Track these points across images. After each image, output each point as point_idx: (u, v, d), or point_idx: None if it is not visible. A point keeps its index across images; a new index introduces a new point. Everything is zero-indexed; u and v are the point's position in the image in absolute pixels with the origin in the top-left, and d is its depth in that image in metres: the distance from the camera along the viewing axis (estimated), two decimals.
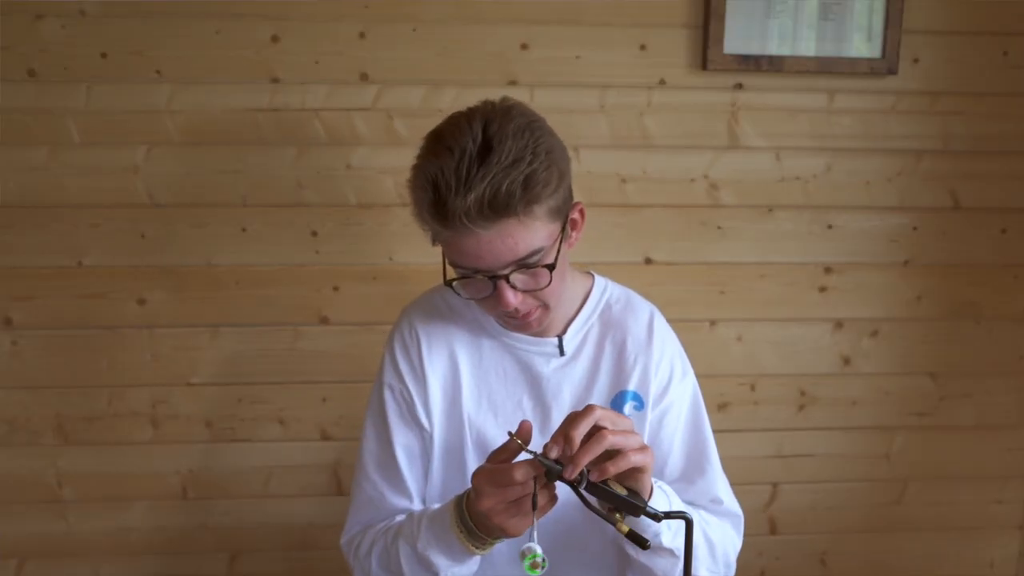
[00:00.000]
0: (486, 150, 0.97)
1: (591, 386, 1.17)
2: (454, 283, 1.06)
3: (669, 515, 0.96)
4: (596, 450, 0.92)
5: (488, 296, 1.05)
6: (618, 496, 0.95)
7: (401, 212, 1.67)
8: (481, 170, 0.96)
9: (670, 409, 1.19)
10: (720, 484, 1.22)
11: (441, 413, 1.17)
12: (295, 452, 1.75)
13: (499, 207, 0.97)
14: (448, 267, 1.08)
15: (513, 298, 1.03)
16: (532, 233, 1.01)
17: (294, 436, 1.74)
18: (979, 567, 1.94)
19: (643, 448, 0.96)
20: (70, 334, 1.67)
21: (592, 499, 0.96)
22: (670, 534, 1.03)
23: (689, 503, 1.16)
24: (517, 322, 1.09)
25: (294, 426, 1.74)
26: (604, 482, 0.95)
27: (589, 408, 0.95)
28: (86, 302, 1.66)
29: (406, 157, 1.64)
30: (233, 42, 1.60)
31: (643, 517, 0.97)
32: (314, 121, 1.64)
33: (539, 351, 1.17)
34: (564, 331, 1.18)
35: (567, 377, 1.17)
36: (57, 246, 1.64)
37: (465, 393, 1.17)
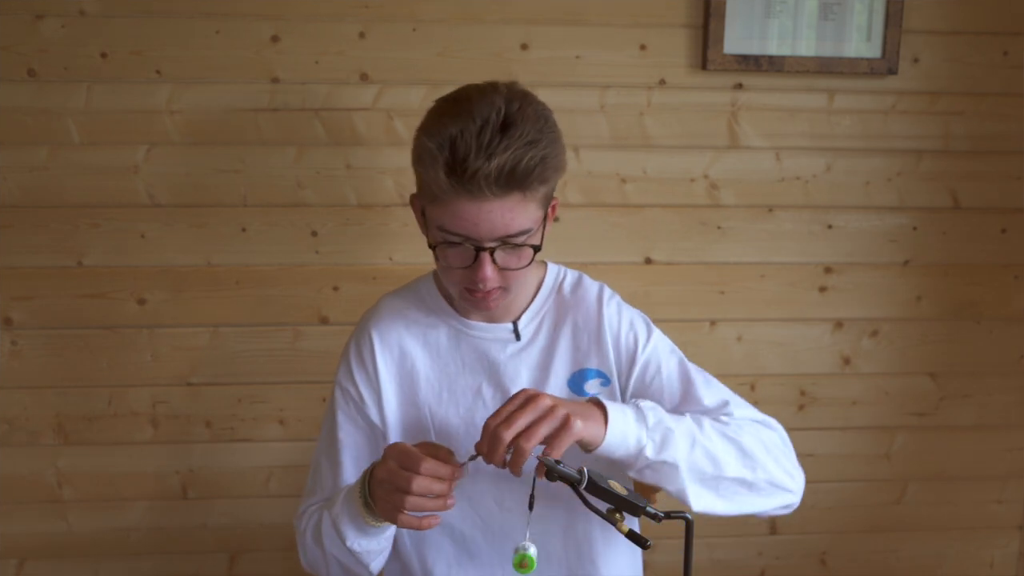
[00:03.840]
0: (508, 125, 1.01)
1: (548, 369, 1.18)
2: (437, 247, 1.08)
3: (669, 515, 0.96)
4: (497, 453, 0.96)
5: (464, 267, 1.07)
6: (618, 496, 0.95)
7: (401, 212, 1.67)
8: (504, 141, 1.00)
9: (648, 366, 1.19)
10: (713, 393, 1.19)
11: (398, 410, 1.20)
12: (295, 452, 1.75)
13: (516, 179, 1.01)
14: (432, 233, 1.09)
15: (490, 272, 1.06)
16: (527, 213, 1.05)
17: (294, 436, 1.74)
18: (979, 567, 1.94)
19: (564, 426, 0.96)
20: (70, 334, 1.67)
21: (592, 499, 0.96)
22: (653, 446, 1.03)
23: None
24: (477, 299, 1.10)
25: (294, 426, 1.74)
26: (604, 482, 0.95)
27: (488, 423, 0.97)
28: (86, 302, 1.66)
29: (406, 157, 1.64)
30: (233, 42, 1.60)
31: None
32: (314, 121, 1.64)
33: (495, 337, 1.19)
34: (519, 317, 1.19)
35: (524, 362, 1.19)
36: (57, 246, 1.64)
37: (424, 387, 1.19)
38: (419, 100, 1.64)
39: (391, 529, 1.10)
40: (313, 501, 1.22)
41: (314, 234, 1.67)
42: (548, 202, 1.10)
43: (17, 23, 1.56)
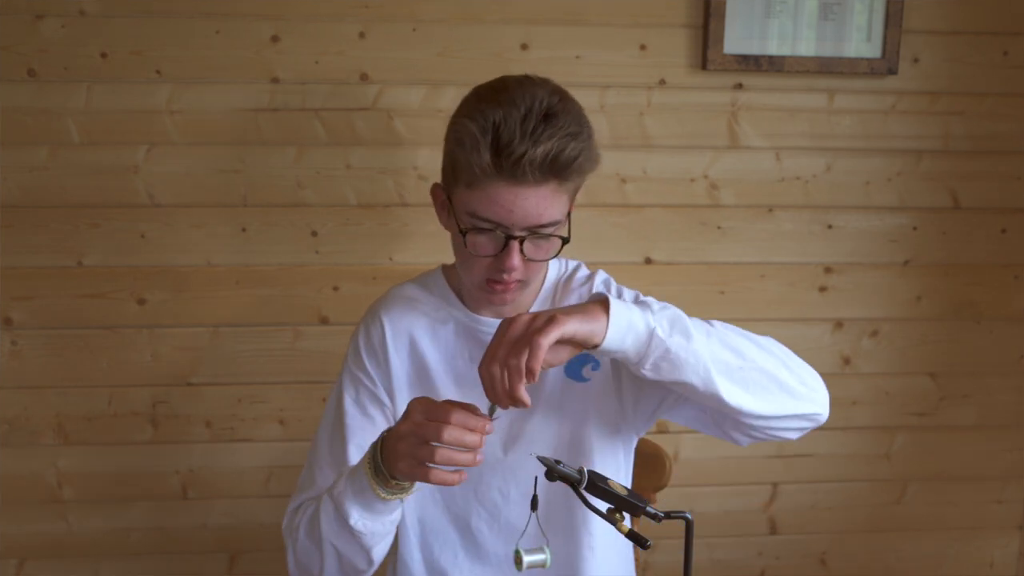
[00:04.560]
0: (551, 115, 1.02)
1: None
2: (467, 233, 1.07)
3: (669, 515, 0.96)
4: (517, 380, 0.92)
5: (490, 255, 1.07)
6: (618, 496, 0.95)
7: (401, 212, 1.67)
8: (548, 130, 1.01)
9: None
10: None
11: (408, 399, 1.15)
12: (295, 452, 1.74)
13: (558, 167, 1.02)
14: (462, 219, 1.07)
15: (517, 261, 1.06)
16: (559, 204, 1.06)
17: (294, 436, 1.74)
18: (979, 567, 1.94)
19: (549, 321, 0.93)
20: (70, 334, 1.67)
21: (592, 499, 0.96)
22: (663, 329, 0.98)
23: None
24: (498, 290, 1.10)
25: (294, 426, 1.74)
26: (604, 482, 0.95)
27: (482, 365, 0.94)
28: (86, 302, 1.66)
29: (406, 157, 1.66)
30: (233, 42, 1.60)
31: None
32: (314, 121, 1.64)
33: None
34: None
35: None
36: (57, 246, 1.64)
37: (436, 378, 1.18)
38: (419, 100, 1.64)
39: (396, 512, 1.05)
40: (308, 496, 1.18)
41: (314, 234, 1.67)
42: (575, 196, 1.11)
43: (17, 23, 1.56)
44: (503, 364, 0.93)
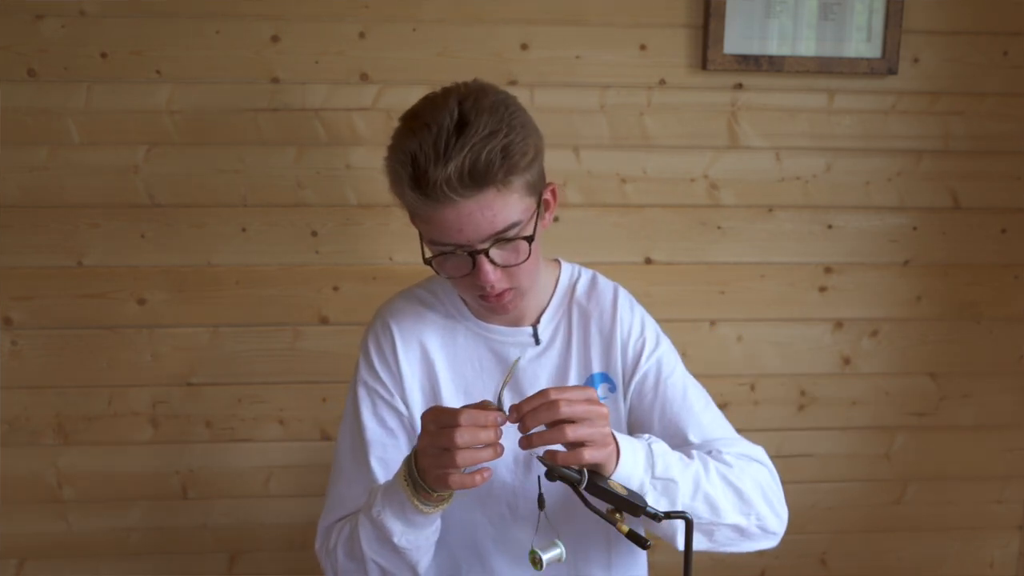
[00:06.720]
0: (463, 124, 1.00)
1: (565, 373, 1.17)
2: (433, 261, 1.06)
3: (669, 515, 0.96)
4: (543, 415, 0.93)
5: (466, 275, 1.06)
6: (618, 496, 0.95)
7: (401, 212, 1.66)
8: (460, 141, 0.98)
9: (647, 378, 1.17)
10: (716, 426, 1.17)
11: (421, 407, 1.17)
12: (295, 452, 1.75)
13: (478, 176, 0.99)
14: (427, 248, 1.08)
15: (492, 273, 1.04)
16: (510, 206, 1.02)
17: (294, 436, 1.74)
18: (979, 567, 1.94)
19: (603, 443, 0.95)
20: (70, 334, 1.67)
21: (592, 499, 0.96)
22: (655, 494, 1.00)
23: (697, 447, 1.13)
24: (492, 304, 1.09)
25: (294, 426, 1.74)
26: (604, 482, 0.95)
27: (549, 390, 0.95)
28: (86, 302, 1.66)
29: None
30: (233, 42, 1.60)
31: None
32: (314, 121, 1.64)
33: (514, 341, 1.17)
34: (538, 320, 1.18)
35: (543, 366, 1.17)
36: (57, 246, 1.64)
37: (443, 387, 1.17)
38: None
39: (436, 523, 1.06)
40: (338, 515, 1.17)
41: (314, 234, 1.67)
42: (537, 190, 1.07)
43: (17, 23, 1.56)
44: (558, 420, 0.93)
